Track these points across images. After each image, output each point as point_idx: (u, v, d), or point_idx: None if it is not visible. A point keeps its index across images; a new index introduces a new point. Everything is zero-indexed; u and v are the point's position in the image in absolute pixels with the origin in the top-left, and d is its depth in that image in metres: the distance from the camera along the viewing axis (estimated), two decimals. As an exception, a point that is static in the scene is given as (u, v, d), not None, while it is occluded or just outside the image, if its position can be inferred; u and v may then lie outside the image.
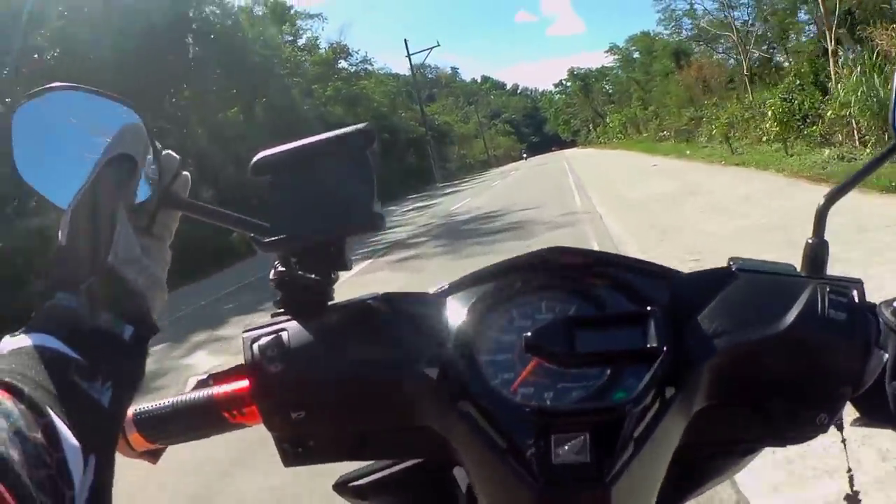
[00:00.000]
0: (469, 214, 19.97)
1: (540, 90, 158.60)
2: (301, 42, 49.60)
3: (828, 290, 0.70)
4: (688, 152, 27.67)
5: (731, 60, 47.00)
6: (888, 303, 0.73)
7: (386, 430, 0.75)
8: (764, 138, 20.79)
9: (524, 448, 0.62)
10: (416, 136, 56.58)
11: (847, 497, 0.79)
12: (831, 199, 0.78)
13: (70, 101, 0.72)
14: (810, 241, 0.79)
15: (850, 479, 0.80)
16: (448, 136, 67.10)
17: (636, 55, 65.92)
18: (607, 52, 71.83)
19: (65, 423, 0.52)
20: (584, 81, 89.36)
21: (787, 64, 38.05)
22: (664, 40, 55.38)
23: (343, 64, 53.55)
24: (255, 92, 36.88)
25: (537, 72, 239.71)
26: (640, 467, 0.62)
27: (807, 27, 39.31)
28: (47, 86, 0.70)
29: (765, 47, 39.40)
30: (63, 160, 0.71)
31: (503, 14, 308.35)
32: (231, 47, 33.39)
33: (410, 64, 58.07)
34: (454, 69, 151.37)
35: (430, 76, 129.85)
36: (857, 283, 0.73)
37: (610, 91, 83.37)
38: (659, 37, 58.52)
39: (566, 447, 0.61)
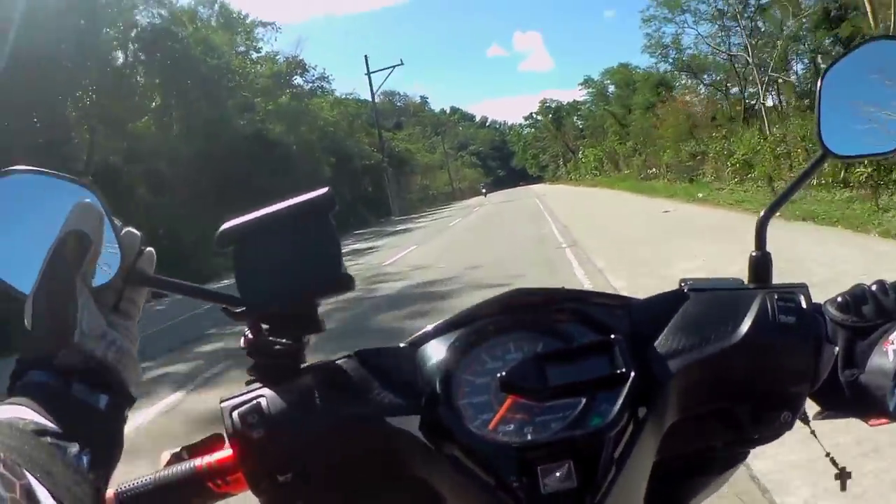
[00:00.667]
0: (400, 282, 13.51)
1: (509, 123, 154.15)
2: (258, 55, 44.57)
3: (776, 297, 0.74)
4: (700, 195, 21.27)
5: (718, 95, 42.22)
6: (832, 301, 0.77)
7: (374, 485, 0.75)
8: (822, 181, 14.76)
9: (513, 483, 0.64)
10: (375, 162, 50.60)
11: (837, 475, 0.83)
12: (769, 212, 0.83)
13: (24, 185, 0.71)
14: (754, 254, 0.83)
15: (832, 460, 0.84)
16: (409, 164, 60.96)
17: (611, 88, 61.23)
18: (581, 84, 67.11)
19: (44, 486, 0.52)
20: (555, 114, 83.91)
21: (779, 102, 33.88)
22: (645, 72, 50.50)
23: (299, 80, 48.09)
24: (188, 103, 31.01)
25: (507, 106, 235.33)
26: (622, 486, 0.64)
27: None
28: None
29: (765, 79, 34.01)
30: (21, 245, 0.70)
31: (476, 47, 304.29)
32: (172, 53, 30.23)
33: (370, 81, 51.71)
34: (423, 98, 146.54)
35: (398, 104, 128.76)
36: (803, 288, 0.77)
37: (581, 126, 78.25)
38: (637, 70, 53.96)
39: (553, 477, 0.63)
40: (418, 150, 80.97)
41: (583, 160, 65.82)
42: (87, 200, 0.68)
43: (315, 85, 49.75)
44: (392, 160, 56.35)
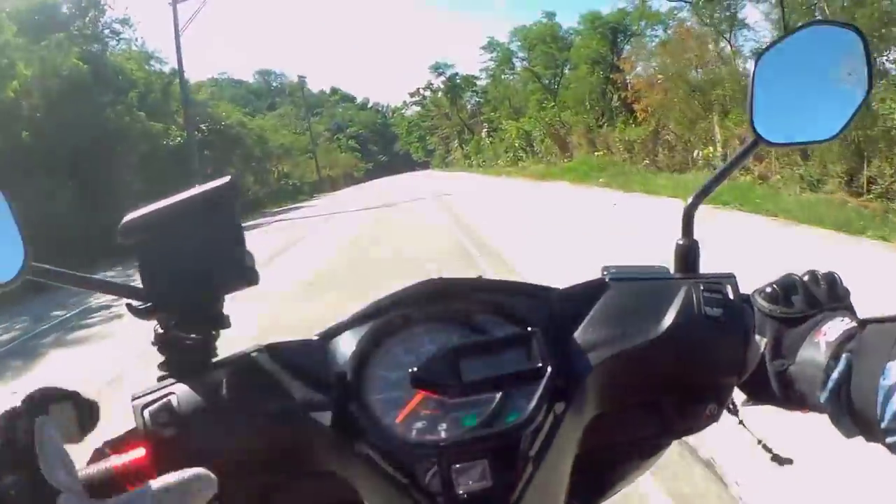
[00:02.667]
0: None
1: (392, 106, 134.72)
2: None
3: (702, 288, 0.71)
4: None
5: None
6: (760, 290, 0.74)
7: (289, 480, 0.73)
8: None
9: (426, 482, 0.62)
10: (185, 140, 30.90)
11: (774, 459, 0.79)
12: (697, 199, 0.79)
13: None
14: (680, 241, 0.79)
15: (765, 447, 0.80)
16: (243, 145, 40.96)
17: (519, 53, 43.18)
18: (484, 48, 48.47)
19: None
20: (450, 83, 64.61)
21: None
22: (592, 14, 32.14)
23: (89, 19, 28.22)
24: None
25: (392, 90, 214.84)
26: (541, 484, 0.62)
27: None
28: None
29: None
30: None
31: (363, 30, 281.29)
32: None
33: (174, 12, 30.97)
34: (301, 78, 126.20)
35: (274, 84, 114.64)
36: (731, 278, 0.74)
37: (479, 101, 59.78)
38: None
39: (468, 477, 0.61)
40: (279, 131, 60.76)
41: (491, 141, 46.89)
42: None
43: (109, 28, 30.53)
44: (218, 138, 36.12)
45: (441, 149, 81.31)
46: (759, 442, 0.80)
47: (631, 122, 23.93)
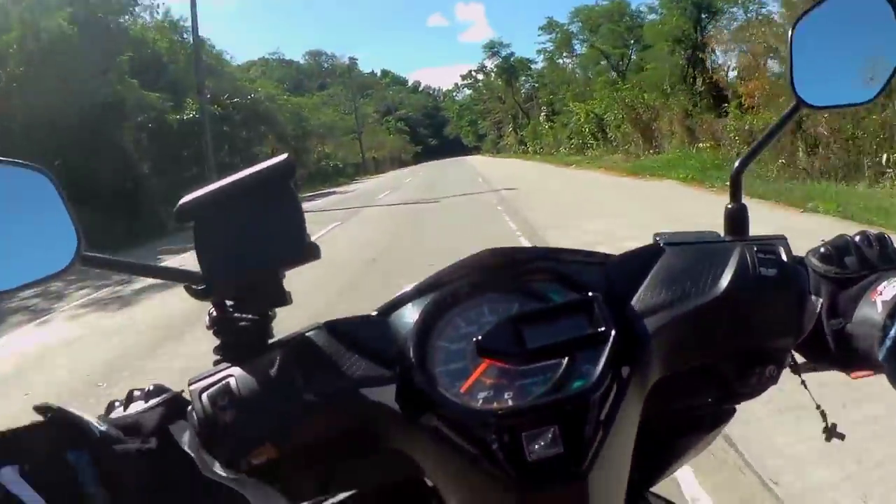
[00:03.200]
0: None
1: (444, 90, 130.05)
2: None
3: (755, 249, 0.71)
4: None
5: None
6: (814, 251, 0.74)
7: (351, 459, 0.72)
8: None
9: (497, 451, 0.60)
10: (206, 113, 26.53)
11: (825, 430, 0.79)
12: (743, 163, 0.79)
13: None
14: (729, 206, 0.79)
15: (822, 414, 0.79)
16: (274, 122, 36.56)
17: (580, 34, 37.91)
18: (542, 29, 43.24)
19: None
20: (506, 63, 59.42)
21: None
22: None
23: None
24: None
25: (443, 75, 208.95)
26: (610, 449, 0.61)
27: None
28: None
29: None
30: None
31: (416, 15, 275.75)
32: None
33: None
34: (353, 60, 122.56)
35: (325, 66, 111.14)
36: (782, 240, 0.73)
37: (535, 84, 54.59)
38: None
39: (538, 443, 0.59)
40: (320, 110, 56.33)
41: (551, 126, 41.75)
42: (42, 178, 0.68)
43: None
44: (244, 114, 31.83)
45: (492, 134, 76.51)
46: (818, 407, 0.79)
47: (725, 110, 18.81)
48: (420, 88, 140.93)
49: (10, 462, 0.55)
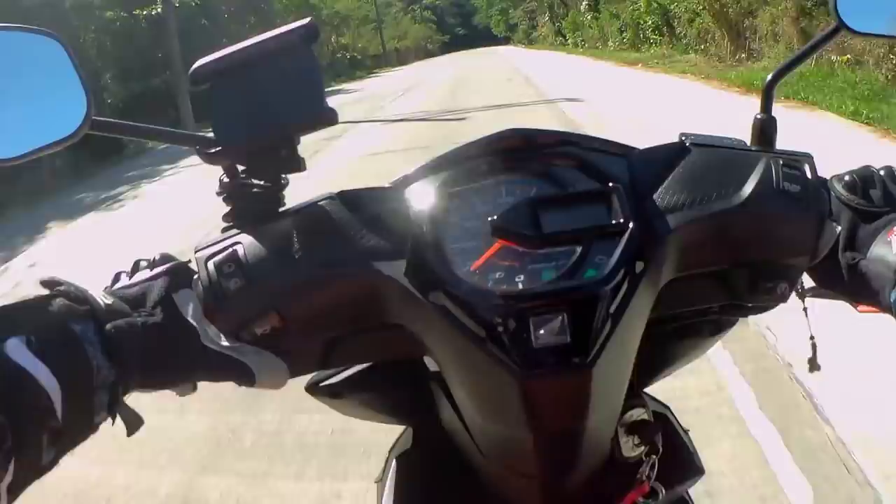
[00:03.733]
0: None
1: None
2: None
3: (781, 163, 0.70)
4: None
5: None
6: (839, 177, 0.73)
7: (355, 333, 0.71)
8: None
9: (503, 334, 0.59)
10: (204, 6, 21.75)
11: (809, 361, 0.81)
12: (778, 75, 0.77)
13: None
14: (759, 116, 0.77)
15: (813, 346, 0.81)
16: (307, 13, 31.46)
17: None
18: None
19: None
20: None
21: None
22: None
23: None
24: None
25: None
26: (615, 344, 0.60)
27: None
28: None
29: None
30: None
31: None
32: None
33: None
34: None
35: None
36: (808, 157, 0.72)
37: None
38: None
39: (545, 330, 0.59)
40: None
41: (595, 17, 35.87)
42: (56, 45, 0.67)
43: None
44: (224, 3, 26.53)
45: (524, 24, 69.95)
46: (811, 338, 0.80)
47: None
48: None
49: (15, 333, 0.54)
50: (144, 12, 20.84)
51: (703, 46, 18.94)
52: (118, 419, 0.60)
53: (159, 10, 20.73)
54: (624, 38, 27.50)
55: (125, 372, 0.59)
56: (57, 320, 0.57)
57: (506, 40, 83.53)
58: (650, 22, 23.51)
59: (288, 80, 0.68)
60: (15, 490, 0.51)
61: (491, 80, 20.94)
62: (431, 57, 70.73)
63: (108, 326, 0.58)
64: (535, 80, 18.63)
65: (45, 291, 0.59)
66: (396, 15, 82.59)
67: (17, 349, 0.53)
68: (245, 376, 0.65)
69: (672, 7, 21.74)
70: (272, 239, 0.66)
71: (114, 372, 0.58)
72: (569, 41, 42.26)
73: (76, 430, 0.56)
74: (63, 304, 0.58)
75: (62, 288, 0.59)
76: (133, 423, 0.60)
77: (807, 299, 0.77)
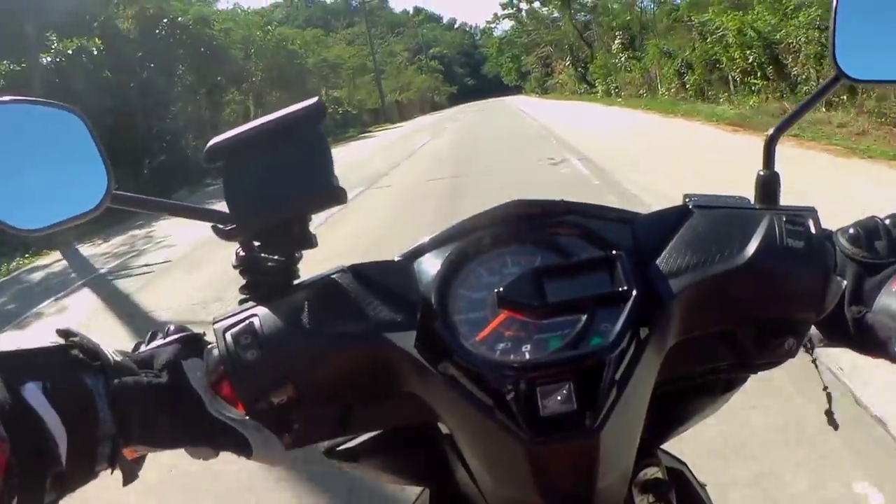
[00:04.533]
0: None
1: (481, 26, 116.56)
2: None
3: (784, 219, 0.69)
4: None
5: None
6: (843, 230, 0.72)
7: (368, 402, 0.71)
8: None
9: (511, 403, 0.59)
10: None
11: (827, 412, 0.80)
12: (779, 130, 0.76)
13: (6, 115, 0.68)
14: (762, 172, 0.76)
15: (828, 396, 0.79)
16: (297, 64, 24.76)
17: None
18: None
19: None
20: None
21: None
22: None
23: None
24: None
25: (481, 10, 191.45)
26: (623, 410, 0.60)
27: None
28: None
29: None
30: (12, 180, 0.67)
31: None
32: None
33: None
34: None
35: (353, 4, 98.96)
36: (812, 212, 0.71)
37: (588, 17, 41.43)
38: None
39: (552, 399, 0.59)
40: (321, 44, 43.54)
41: (623, 59, 28.68)
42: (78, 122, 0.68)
43: None
44: (152, 48, 19.60)
45: (538, 71, 63.34)
46: (825, 389, 0.79)
47: None
48: (456, 26, 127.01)
49: (32, 378, 0.56)
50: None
51: (847, 98, 11.42)
52: (118, 469, 0.62)
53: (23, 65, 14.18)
54: (686, 83, 20.24)
55: (125, 427, 0.60)
56: (72, 371, 0.58)
57: (517, 89, 77.78)
58: (740, 58, 16.04)
59: (297, 159, 0.69)
60: None
61: (510, 146, 14.00)
62: (439, 109, 64.38)
63: (115, 382, 0.60)
64: (583, 151, 11.55)
65: (60, 340, 0.61)
66: (401, 65, 76.54)
67: (33, 394, 0.55)
68: (243, 449, 0.64)
69: (780, 37, 14.37)
70: (287, 311, 0.67)
71: (116, 426, 0.59)
72: (597, 88, 35.17)
73: (77, 476, 0.57)
74: (78, 356, 0.60)
75: (76, 339, 0.61)
76: (130, 474, 0.62)
77: (815, 350, 0.75)
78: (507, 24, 70.31)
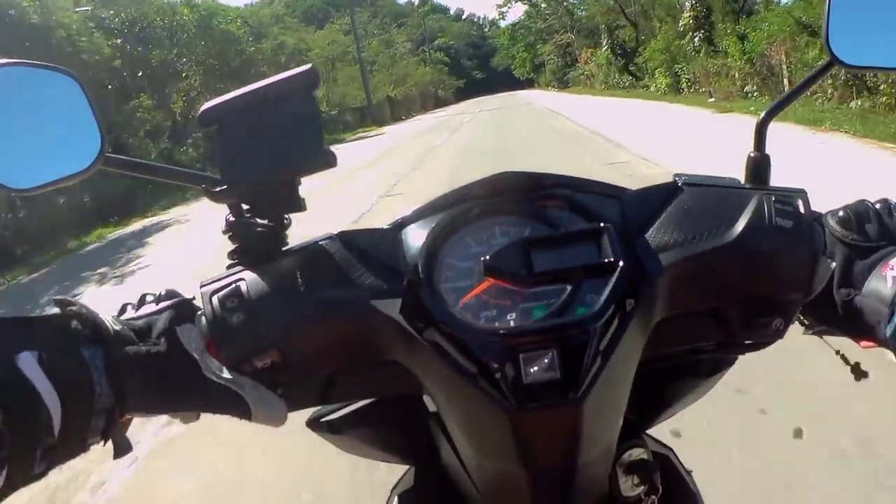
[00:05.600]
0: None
1: (491, 17, 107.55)
2: None
3: (773, 199, 0.68)
4: None
5: None
6: (833, 213, 0.71)
7: (353, 370, 0.71)
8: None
9: (494, 370, 0.59)
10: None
11: (853, 371, 0.78)
12: (770, 114, 0.75)
13: (2, 77, 0.68)
14: (752, 154, 0.75)
15: (843, 357, 0.78)
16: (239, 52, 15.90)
17: None
18: None
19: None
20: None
21: None
22: None
23: None
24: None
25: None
26: (606, 380, 0.60)
27: None
28: None
29: None
30: (9, 140, 0.68)
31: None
32: None
33: None
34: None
35: None
36: (802, 193, 0.70)
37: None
38: None
39: (535, 366, 0.58)
40: (280, 25, 34.24)
41: (726, 41, 19.19)
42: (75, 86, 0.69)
43: None
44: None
45: (554, 61, 53.85)
46: (838, 352, 0.77)
47: None
48: (464, 16, 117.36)
49: (28, 348, 0.55)
50: None
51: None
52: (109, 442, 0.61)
53: None
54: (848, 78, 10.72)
55: (124, 399, 0.59)
56: (69, 342, 0.57)
57: (529, 83, 68.82)
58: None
59: (289, 124, 0.69)
60: (3, 494, 0.52)
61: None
62: (443, 106, 55.13)
63: (115, 353, 0.59)
64: None
65: (57, 310, 0.59)
66: (395, 55, 67.06)
67: (28, 364, 0.54)
68: (242, 410, 0.64)
69: None
70: (274, 276, 0.67)
71: (113, 398, 0.58)
72: (650, 80, 25.54)
73: (68, 448, 0.56)
74: (76, 326, 0.58)
75: (74, 309, 0.59)
76: (123, 447, 0.61)
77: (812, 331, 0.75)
78: (519, 10, 61.01)
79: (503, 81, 79.20)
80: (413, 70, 58.90)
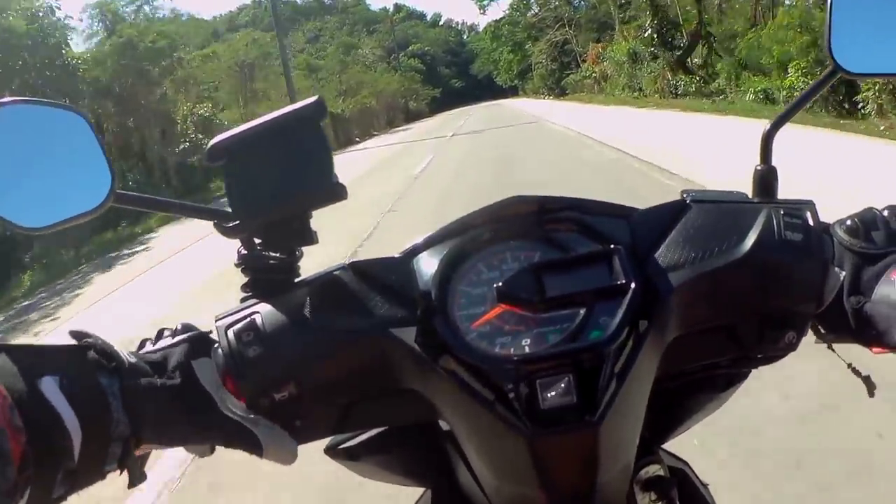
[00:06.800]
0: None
1: (469, 23, 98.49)
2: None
3: (782, 212, 0.68)
4: None
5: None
6: (841, 222, 0.70)
7: (368, 398, 0.70)
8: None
9: (511, 396, 0.59)
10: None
11: (865, 380, 0.77)
12: (776, 125, 0.74)
13: (13, 116, 0.67)
14: (759, 167, 0.74)
15: (854, 369, 0.77)
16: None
17: None
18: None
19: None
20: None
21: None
22: None
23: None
24: None
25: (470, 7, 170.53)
26: (623, 402, 0.59)
27: None
28: None
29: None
30: (17, 178, 0.67)
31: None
32: None
33: None
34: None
35: (327, 1, 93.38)
36: (810, 205, 0.70)
37: None
38: None
39: (552, 391, 0.58)
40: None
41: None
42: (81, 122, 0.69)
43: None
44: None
45: (543, 66, 43.90)
46: (849, 365, 0.77)
47: None
48: (441, 22, 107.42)
49: (50, 373, 0.55)
50: None
51: None
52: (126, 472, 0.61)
53: None
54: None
55: (139, 428, 0.59)
56: (87, 370, 0.58)
57: (513, 91, 59.73)
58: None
59: (298, 157, 0.68)
60: None
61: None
62: (415, 120, 45.17)
63: (130, 384, 0.59)
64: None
65: (74, 341, 0.60)
66: (361, 60, 56.80)
67: (51, 388, 0.54)
68: (254, 446, 0.64)
69: None
70: (289, 308, 0.66)
71: (129, 427, 0.58)
72: (735, 93, 15.12)
73: (87, 474, 0.56)
74: (94, 356, 0.59)
75: (90, 340, 0.60)
76: (137, 477, 0.61)
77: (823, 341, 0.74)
78: (504, 4, 51.14)
79: (484, 90, 71.67)
80: (377, 78, 48.22)
